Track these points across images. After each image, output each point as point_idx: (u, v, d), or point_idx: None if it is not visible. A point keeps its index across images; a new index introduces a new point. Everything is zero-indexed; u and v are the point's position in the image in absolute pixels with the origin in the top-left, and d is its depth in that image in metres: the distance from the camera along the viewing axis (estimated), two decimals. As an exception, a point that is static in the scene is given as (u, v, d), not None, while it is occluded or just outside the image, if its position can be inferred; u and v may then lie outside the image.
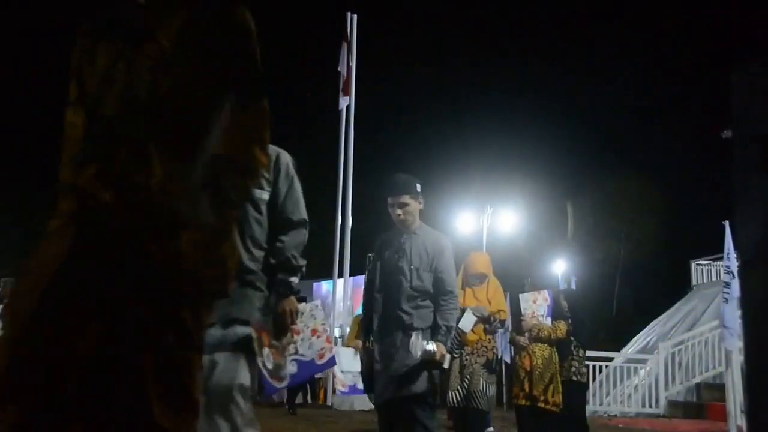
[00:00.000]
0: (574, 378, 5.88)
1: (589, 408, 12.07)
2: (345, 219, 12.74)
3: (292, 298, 2.90)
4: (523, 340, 5.95)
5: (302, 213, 2.98)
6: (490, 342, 5.63)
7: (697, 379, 12.29)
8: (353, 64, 13.17)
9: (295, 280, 2.89)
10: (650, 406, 12.08)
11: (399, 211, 3.99)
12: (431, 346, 3.76)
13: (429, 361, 3.76)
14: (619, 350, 15.11)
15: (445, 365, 3.90)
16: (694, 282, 17.78)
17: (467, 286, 5.66)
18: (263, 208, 2.83)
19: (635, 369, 13.04)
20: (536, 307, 5.99)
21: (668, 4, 32.19)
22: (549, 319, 5.92)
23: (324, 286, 21.14)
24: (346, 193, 12.80)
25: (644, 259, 29.73)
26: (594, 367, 12.20)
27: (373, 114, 22.83)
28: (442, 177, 27.61)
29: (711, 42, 29.81)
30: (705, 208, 27.40)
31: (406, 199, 3.99)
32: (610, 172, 31.16)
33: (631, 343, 17.10)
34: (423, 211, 4.11)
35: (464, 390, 5.48)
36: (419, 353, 3.74)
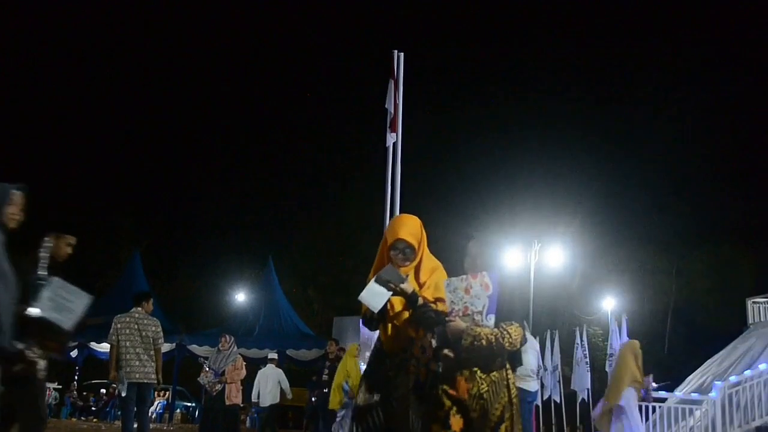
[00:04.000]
0: None
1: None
2: (393, 255, 12.83)
3: None
4: (447, 351, 3.68)
5: None
6: (424, 353, 3.74)
7: (757, 422, 11.89)
8: (400, 102, 13.32)
9: None
10: (707, 449, 11.71)
11: None
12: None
13: None
14: (671, 390, 14.70)
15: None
16: (750, 320, 17.32)
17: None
18: None
19: (690, 410, 12.67)
20: (470, 298, 3.66)
21: (722, 44, 31.92)
22: (492, 318, 3.59)
23: (371, 322, 21.15)
24: (394, 230, 12.90)
25: (697, 297, 29.05)
26: (647, 407, 11.89)
27: (421, 151, 23.01)
28: (489, 212, 27.56)
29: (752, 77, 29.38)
30: (760, 246, 26.75)
31: None
32: (660, 207, 30.69)
33: (684, 383, 16.64)
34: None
35: (378, 421, 3.72)
36: None
